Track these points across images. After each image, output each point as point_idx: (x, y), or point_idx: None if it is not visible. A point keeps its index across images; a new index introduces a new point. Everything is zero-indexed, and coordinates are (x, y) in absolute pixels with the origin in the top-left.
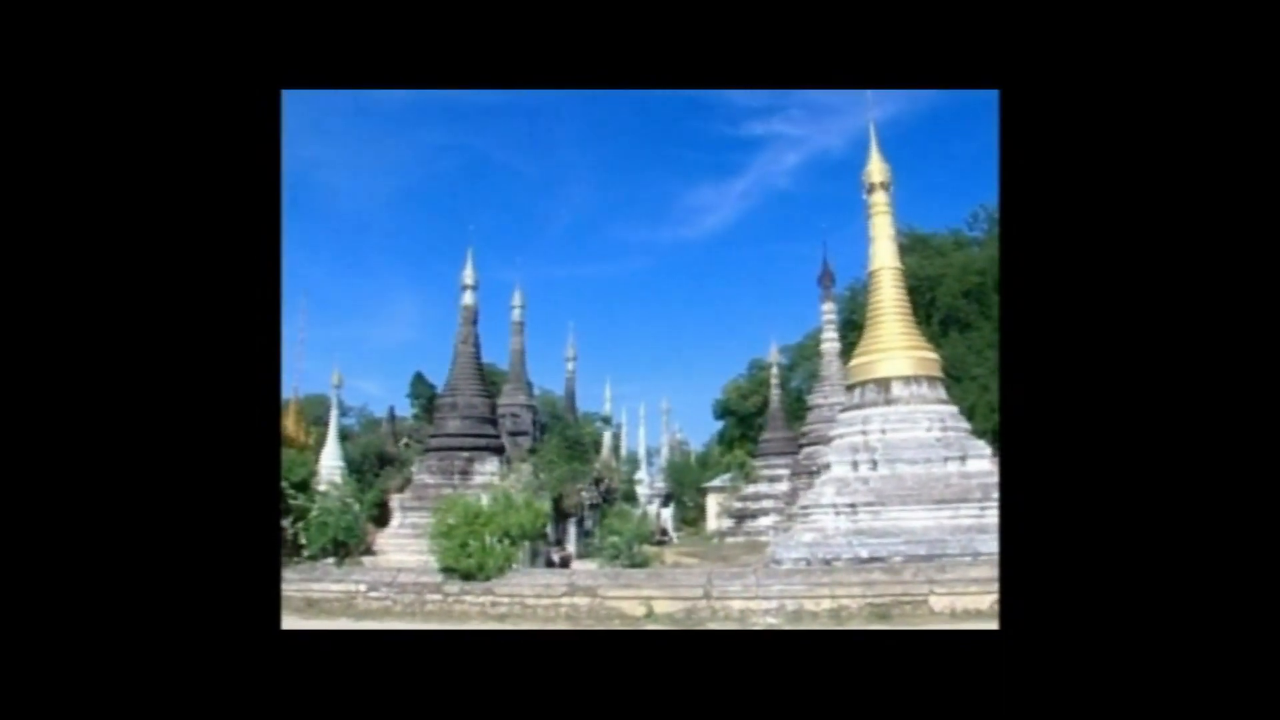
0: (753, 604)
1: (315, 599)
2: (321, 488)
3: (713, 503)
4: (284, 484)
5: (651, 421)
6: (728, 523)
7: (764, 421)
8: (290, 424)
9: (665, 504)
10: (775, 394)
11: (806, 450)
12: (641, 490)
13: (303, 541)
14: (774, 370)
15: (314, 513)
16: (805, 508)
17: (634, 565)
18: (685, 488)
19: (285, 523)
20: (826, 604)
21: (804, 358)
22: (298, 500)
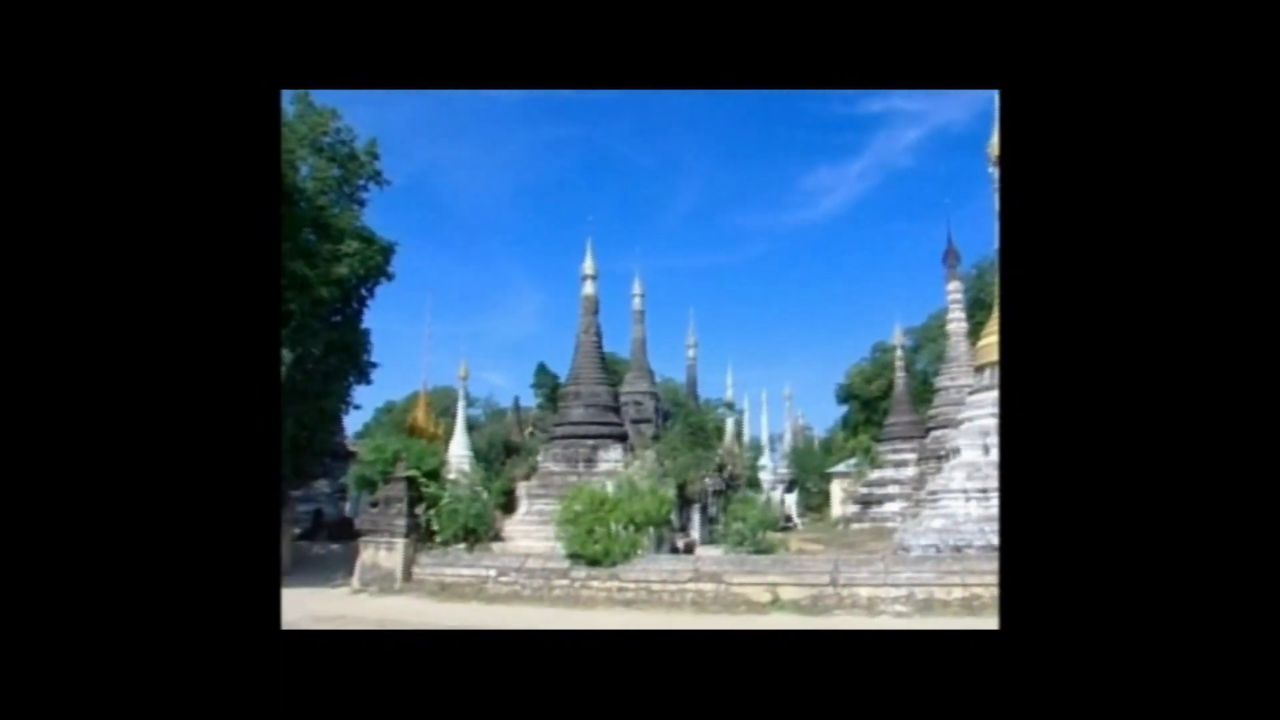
0: (880, 592)
1: (448, 583)
2: (451, 477)
3: (837, 489)
4: (416, 473)
5: (774, 407)
6: (853, 509)
7: (889, 405)
8: (420, 416)
9: (789, 490)
10: (900, 377)
11: (934, 434)
12: (765, 476)
13: (435, 528)
14: (898, 353)
15: (445, 501)
16: (934, 493)
17: (759, 552)
18: (809, 474)
19: (418, 510)
20: (958, 593)
21: (929, 339)
22: (429, 489)
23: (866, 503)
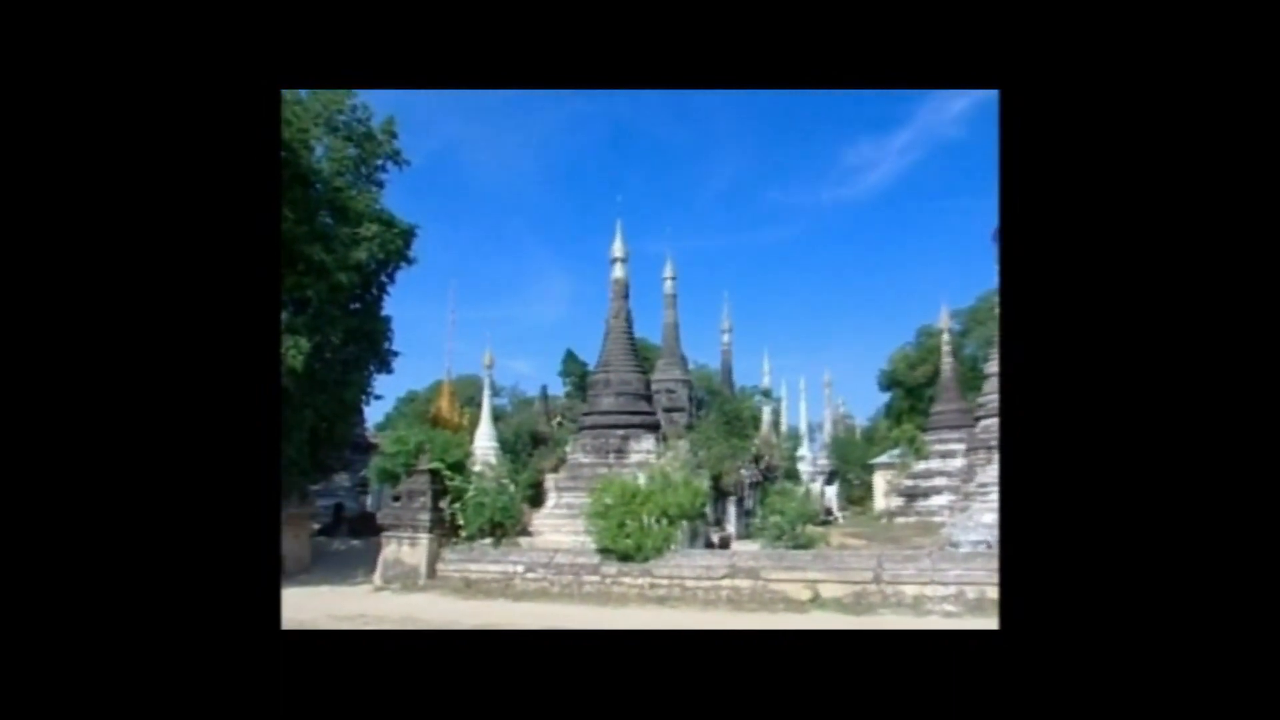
0: (928, 590)
1: (474, 579)
2: (476, 468)
3: (880, 480)
4: (440, 466)
5: (813, 395)
6: (897, 502)
7: (935, 393)
8: (444, 406)
9: (829, 482)
10: (947, 362)
11: (983, 423)
12: (804, 468)
13: (460, 522)
14: (945, 337)
15: (470, 494)
16: (984, 485)
17: (798, 546)
18: (850, 465)
19: (443, 504)
20: None
21: (978, 322)
22: (454, 481)
23: (912, 495)
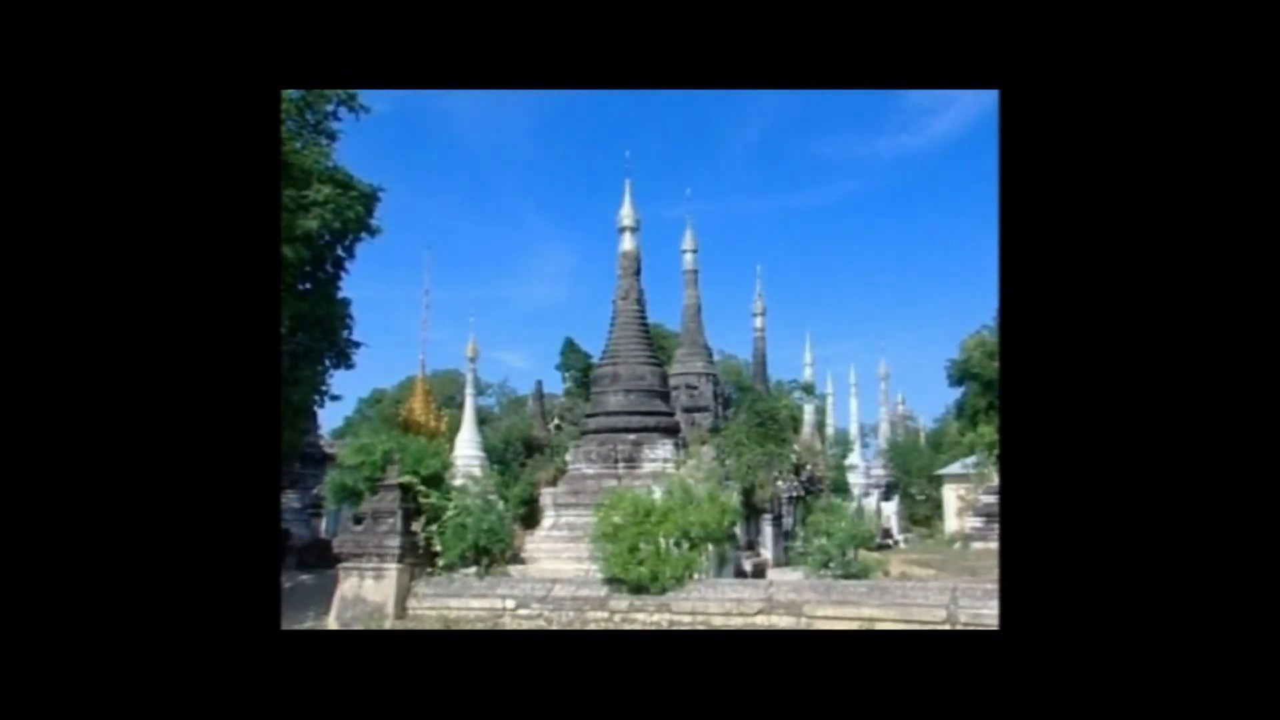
0: None
1: (453, 618)
2: (458, 483)
3: (952, 495)
4: (413, 480)
5: (866, 390)
6: (974, 522)
7: None
8: (417, 406)
9: (887, 497)
10: None
11: None
12: (855, 479)
13: (437, 548)
14: None
15: (450, 513)
16: None
17: (849, 576)
18: (913, 476)
19: (416, 526)
20: None
21: None
22: (430, 499)
23: (992, 515)
